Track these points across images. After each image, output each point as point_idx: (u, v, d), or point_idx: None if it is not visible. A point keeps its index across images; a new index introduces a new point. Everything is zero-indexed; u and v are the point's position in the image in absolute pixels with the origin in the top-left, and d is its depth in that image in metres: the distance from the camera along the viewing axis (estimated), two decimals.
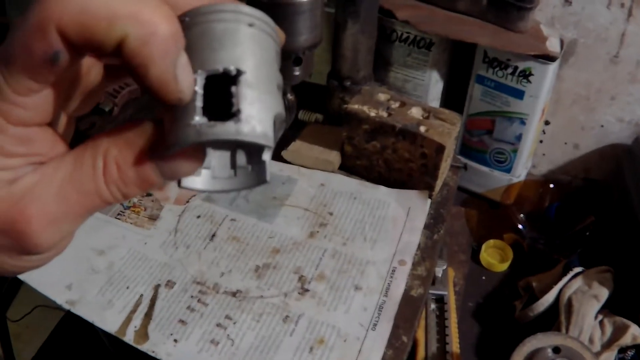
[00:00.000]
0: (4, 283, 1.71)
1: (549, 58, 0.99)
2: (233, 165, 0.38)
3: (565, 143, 1.21)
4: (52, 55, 0.34)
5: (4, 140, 0.36)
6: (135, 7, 0.32)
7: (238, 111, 0.34)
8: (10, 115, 0.36)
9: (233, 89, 0.34)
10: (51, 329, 1.12)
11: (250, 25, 0.35)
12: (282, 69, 0.63)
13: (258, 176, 0.37)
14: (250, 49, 0.35)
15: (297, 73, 0.66)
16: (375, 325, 0.71)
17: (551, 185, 1.16)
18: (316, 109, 1.07)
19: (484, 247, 1.08)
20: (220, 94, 0.34)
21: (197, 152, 0.36)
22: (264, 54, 0.36)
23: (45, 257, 0.42)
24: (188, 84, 0.34)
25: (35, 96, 0.36)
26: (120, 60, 0.33)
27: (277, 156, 0.94)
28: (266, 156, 0.35)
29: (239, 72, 0.34)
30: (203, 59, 0.34)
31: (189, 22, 0.35)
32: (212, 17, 0.35)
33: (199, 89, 0.34)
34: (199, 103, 0.34)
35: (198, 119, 0.33)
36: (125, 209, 0.85)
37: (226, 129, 0.33)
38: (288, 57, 0.64)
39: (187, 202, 0.86)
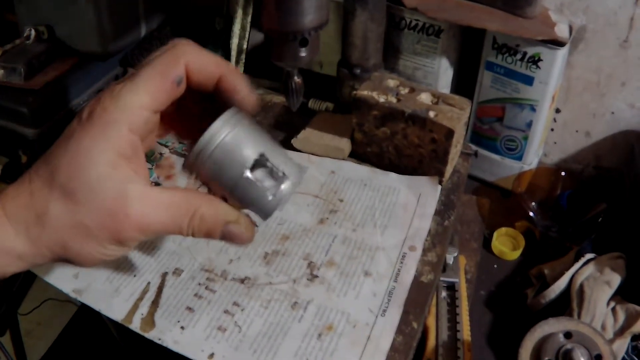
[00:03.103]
0: (16, 281, 1.72)
1: (557, 43, 0.98)
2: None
3: (577, 131, 1.20)
4: (179, 79, 0.55)
5: (136, 143, 0.55)
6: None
7: (283, 173, 0.57)
8: (132, 123, 0.54)
9: (268, 164, 0.56)
10: (63, 326, 1.12)
11: (226, 136, 0.54)
12: (288, 51, 0.63)
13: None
14: (246, 145, 0.55)
15: (303, 54, 0.65)
16: (384, 311, 0.71)
17: (563, 173, 1.15)
18: (327, 98, 1.06)
19: (495, 235, 1.07)
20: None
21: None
22: (250, 138, 0.56)
23: (121, 252, 0.56)
24: None
25: (152, 115, 0.55)
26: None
27: (287, 144, 0.94)
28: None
29: (262, 155, 0.56)
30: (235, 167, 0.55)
31: (202, 158, 0.55)
32: (210, 148, 0.54)
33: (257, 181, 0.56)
34: (265, 185, 0.56)
35: (271, 197, 0.56)
36: None
37: (288, 189, 0.57)
38: (294, 39, 0.64)
39: (197, 190, 0.85)
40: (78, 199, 0.52)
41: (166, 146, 0.95)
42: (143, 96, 0.54)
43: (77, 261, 0.55)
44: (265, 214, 0.57)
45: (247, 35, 1.28)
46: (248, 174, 0.55)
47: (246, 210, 0.59)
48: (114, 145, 0.53)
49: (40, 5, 1.13)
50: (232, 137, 0.55)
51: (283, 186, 0.56)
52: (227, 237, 0.57)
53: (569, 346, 0.72)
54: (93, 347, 1.04)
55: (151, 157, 0.93)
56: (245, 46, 1.29)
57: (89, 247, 0.54)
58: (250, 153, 0.55)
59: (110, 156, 0.53)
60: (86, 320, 1.10)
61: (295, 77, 0.70)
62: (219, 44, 1.29)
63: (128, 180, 0.54)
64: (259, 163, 0.56)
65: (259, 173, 0.56)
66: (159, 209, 0.55)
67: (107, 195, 0.53)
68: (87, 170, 0.53)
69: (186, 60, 0.56)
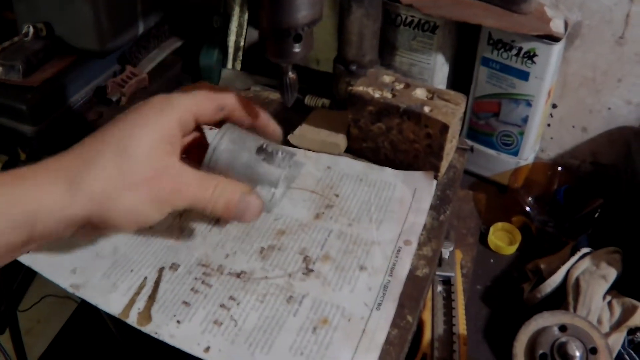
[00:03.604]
0: (15, 279, 1.72)
1: (552, 38, 0.99)
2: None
3: (573, 126, 1.21)
4: (221, 106, 0.71)
5: (178, 136, 0.67)
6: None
7: (283, 152, 0.74)
8: (180, 119, 0.67)
9: (269, 148, 0.73)
10: (62, 323, 1.12)
11: (232, 133, 0.72)
12: (282, 47, 0.64)
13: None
14: (247, 138, 0.73)
15: (297, 50, 0.66)
16: (379, 304, 0.71)
17: (559, 169, 1.16)
18: (323, 95, 1.07)
19: (492, 230, 1.08)
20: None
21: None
22: (249, 135, 0.73)
23: (151, 216, 0.64)
24: None
25: (193, 122, 0.69)
26: None
27: (283, 140, 0.94)
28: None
29: (262, 143, 0.73)
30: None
31: (217, 151, 0.71)
32: (222, 143, 0.71)
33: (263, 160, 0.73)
34: (270, 161, 0.73)
35: (276, 168, 0.72)
36: None
37: (289, 162, 0.74)
38: (288, 35, 0.64)
39: None
40: (129, 155, 0.61)
41: None
42: (192, 104, 0.68)
43: (111, 214, 0.61)
44: (275, 183, 0.72)
45: (244, 33, 1.28)
46: (255, 155, 0.71)
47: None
48: (164, 129, 0.64)
49: (39, 3, 1.13)
50: (237, 134, 0.72)
51: (285, 160, 0.73)
52: (242, 205, 0.68)
53: (563, 339, 0.72)
54: (92, 344, 1.04)
55: None
56: (242, 43, 1.29)
57: (128, 200, 0.61)
58: (252, 144, 0.72)
59: (160, 135, 0.64)
60: (85, 317, 1.10)
61: (290, 73, 0.70)
62: (216, 42, 1.29)
63: (171, 155, 0.65)
64: (261, 148, 0.72)
65: (263, 154, 0.72)
66: (192, 179, 0.66)
67: (154, 159, 0.63)
68: (140, 137, 0.62)
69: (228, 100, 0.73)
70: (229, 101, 0.72)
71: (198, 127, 0.73)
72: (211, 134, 0.72)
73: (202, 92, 0.70)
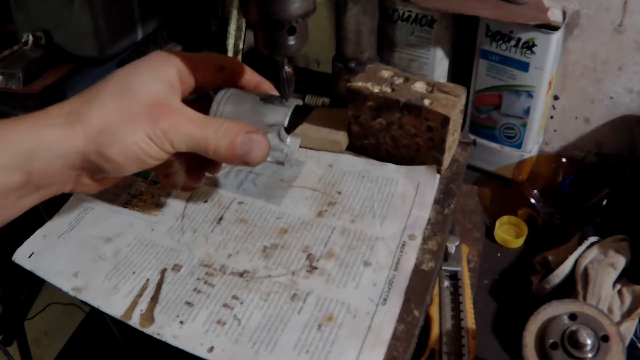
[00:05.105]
0: (22, 290, 1.72)
1: (551, 27, 0.98)
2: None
3: (576, 118, 1.20)
4: (221, 66, 0.73)
5: (177, 86, 0.68)
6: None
7: (285, 97, 0.72)
8: (180, 70, 0.68)
9: (272, 94, 0.74)
10: (69, 334, 1.12)
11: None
12: (276, 40, 0.63)
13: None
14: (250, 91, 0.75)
15: (291, 43, 0.65)
16: (385, 300, 0.70)
17: (564, 160, 1.15)
18: (323, 95, 1.06)
19: (498, 223, 1.07)
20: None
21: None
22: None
23: (152, 151, 0.63)
24: None
25: (191, 77, 0.70)
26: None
27: None
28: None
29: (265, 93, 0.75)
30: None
31: (220, 112, 0.72)
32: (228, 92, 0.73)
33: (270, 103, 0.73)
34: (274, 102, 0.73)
35: (282, 106, 0.72)
36: (132, 197, 0.85)
37: (292, 102, 0.73)
38: (282, 27, 0.63)
39: (194, 188, 0.85)
40: (129, 90, 0.62)
41: None
42: (191, 57, 0.69)
43: (109, 151, 0.61)
44: (282, 121, 0.71)
45: (242, 36, 1.28)
46: (260, 102, 0.72)
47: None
48: (165, 74, 0.65)
49: (37, 11, 1.13)
50: (239, 91, 0.74)
51: (289, 102, 0.72)
52: (246, 144, 0.66)
53: (574, 327, 0.71)
54: (100, 355, 1.04)
55: None
56: (241, 46, 1.29)
57: (127, 134, 0.61)
58: (255, 95, 0.73)
59: (161, 77, 0.65)
60: (93, 328, 1.10)
61: (286, 67, 0.70)
62: (215, 46, 1.29)
63: (172, 94, 0.65)
64: (264, 97, 0.73)
65: (268, 99, 0.72)
66: (195, 116, 0.65)
67: (155, 94, 0.63)
68: (141, 76, 0.64)
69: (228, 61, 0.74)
70: (229, 62, 0.73)
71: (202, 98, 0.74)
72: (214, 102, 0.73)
73: (202, 53, 0.73)
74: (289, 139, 0.73)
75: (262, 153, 0.68)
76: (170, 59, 0.67)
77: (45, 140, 0.59)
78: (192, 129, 0.64)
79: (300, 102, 0.75)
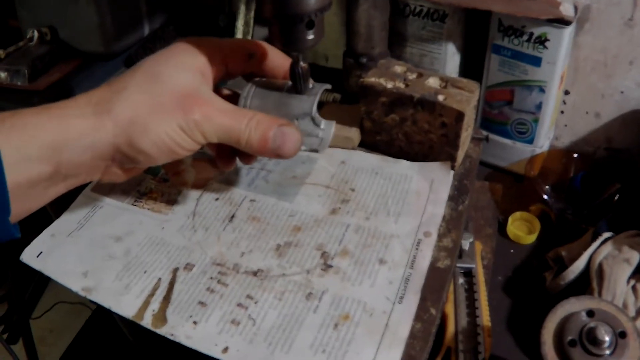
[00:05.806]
0: (27, 289, 1.72)
1: (563, 22, 0.97)
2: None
3: (587, 112, 1.19)
4: (251, 53, 0.73)
5: (209, 73, 0.68)
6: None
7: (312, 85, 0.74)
8: (211, 57, 0.68)
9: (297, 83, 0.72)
10: (75, 332, 1.11)
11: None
12: (295, 34, 0.62)
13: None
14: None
15: (310, 37, 0.64)
16: (401, 298, 0.69)
17: (575, 155, 1.14)
18: (334, 91, 1.05)
19: (510, 219, 1.06)
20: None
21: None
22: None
23: (183, 142, 0.63)
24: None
25: (223, 65, 0.71)
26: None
27: None
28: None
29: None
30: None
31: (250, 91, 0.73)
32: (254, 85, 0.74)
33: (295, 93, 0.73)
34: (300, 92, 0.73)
35: (308, 96, 0.73)
36: (142, 195, 0.84)
37: (319, 90, 0.74)
38: (301, 21, 0.63)
39: (205, 185, 0.84)
40: (159, 80, 0.61)
41: None
42: (221, 43, 0.69)
43: (140, 141, 0.60)
44: (309, 110, 0.71)
45: (250, 31, 1.27)
46: (286, 93, 0.72)
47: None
48: (195, 61, 0.65)
49: (41, 7, 1.12)
50: (265, 84, 0.74)
51: (315, 89, 0.73)
52: (279, 137, 0.66)
53: (592, 324, 0.70)
54: (107, 353, 1.03)
55: None
56: None
57: (157, 124, 0.60)
58: (281, 86, 0.73)
59: (191, 65, 0.64)
60: (99, 326, 1.09)
61: (301, 62, 0.69)
62: None
63: (203, 84, 0.65)
64: (290, 87, 0.72)
65: (294, 91, 0.72)
66: (227, 107, 0.65)
67: (186, 83, 0.62)
68: (171, 65, 0.63)
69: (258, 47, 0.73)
70: (258, 48, 0.72)
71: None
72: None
73: (229, 39, 0.71)
74: (323, 123, 0.73)
75: (295, 146, 0.68)
76: (200, 46, 0.67)
77: (74, 131, 0.58)
78: (224, 120, 0.64)
79: (329, 86, 0.75)
